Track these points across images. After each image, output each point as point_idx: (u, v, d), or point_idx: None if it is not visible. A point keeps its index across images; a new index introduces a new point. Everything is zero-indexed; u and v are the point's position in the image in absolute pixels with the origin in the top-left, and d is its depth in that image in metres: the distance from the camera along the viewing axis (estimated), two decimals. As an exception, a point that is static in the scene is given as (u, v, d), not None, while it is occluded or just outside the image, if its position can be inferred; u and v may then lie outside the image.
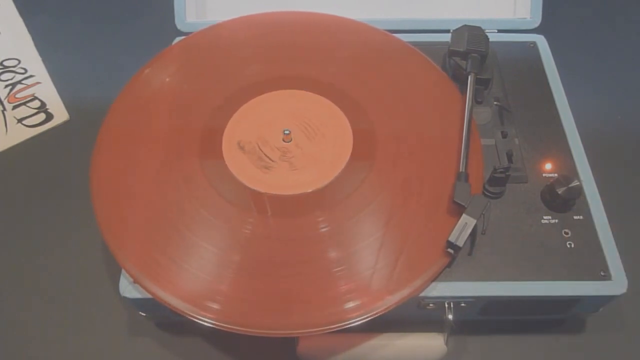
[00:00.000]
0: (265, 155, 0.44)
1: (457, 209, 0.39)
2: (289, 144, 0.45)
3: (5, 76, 0.63)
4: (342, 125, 0.46)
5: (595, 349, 0.45)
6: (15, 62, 0.64)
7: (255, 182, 0.43)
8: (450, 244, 0.38)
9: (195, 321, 0.37)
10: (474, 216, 0.38)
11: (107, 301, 0.47)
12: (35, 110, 0.60)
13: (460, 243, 0.38)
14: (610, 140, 0.56)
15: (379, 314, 0.37)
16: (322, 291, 0.38)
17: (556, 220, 0.43)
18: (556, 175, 0.44)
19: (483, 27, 0.49)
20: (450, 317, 0.40)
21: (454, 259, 0.40)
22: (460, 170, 0.41)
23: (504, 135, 0.47)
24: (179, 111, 0.47)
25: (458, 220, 0.38)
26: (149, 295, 0.38)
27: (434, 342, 0.41)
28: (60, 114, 0.60)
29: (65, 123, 0.59)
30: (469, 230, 0.38)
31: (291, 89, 0.49)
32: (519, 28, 0.56)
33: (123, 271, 0.40)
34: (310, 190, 0.42)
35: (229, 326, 0.37)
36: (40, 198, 0.53)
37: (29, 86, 0.62)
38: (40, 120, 0.59)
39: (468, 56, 0.47)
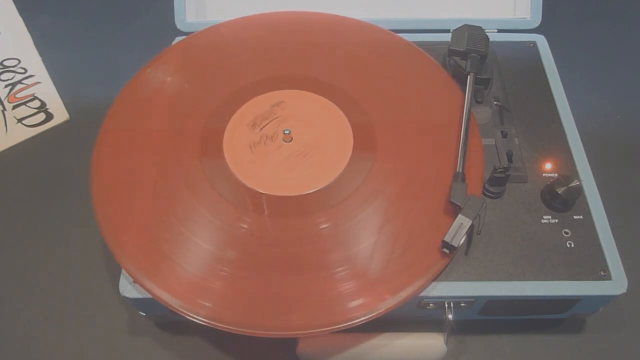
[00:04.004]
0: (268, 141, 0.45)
1: (456, 210, 0.39)
2: (290, 144, 0.45)
3: (5, 76, 0.63)
4: (343, 126, 0.46)
5: (595, 349, 0.45)
6: (15, 62, 0.64)
7: (257, 183, 0.43)
8: (446, 244, 0.38)
9: (194, 321, 0.37)
10: (470, 216, 0.38)
11: (107, 301, 0.47)
12: (35, 110, 0.60)
13: (455, 243, 0.38)
14: (610, 140, 0.56)
15: (379, 315, 0.37)
16: (323, 291, 0.38)
17: (556, 220, 0.43)
18: (556, 175, 0.44)
19: (483, 27, 0.49)
20: (450, 317, 0.40)
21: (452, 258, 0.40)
22: (457, 170, 0.42)
23: (504, 135, 0.47)
24: (180, 111, 0.47)
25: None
26: (148, 295, 0.38)
27: (434, 342, 0.41)
28: (60, 114, 0.60)
29: (65, 123, 0.59)
30: (465, 231, 0.38)
31: (291, 89, 0.49)
32: (518, 28, 0.56)
33: (123, 271, 0.40)
34: (311, 191, 0.42)
35: (229, 326, 0.37)
36: (40, 198, 0.53)
37: (29, 86, 0.62)
38: (40, 120, 0.59)
39: (468, 56, 0.48)
